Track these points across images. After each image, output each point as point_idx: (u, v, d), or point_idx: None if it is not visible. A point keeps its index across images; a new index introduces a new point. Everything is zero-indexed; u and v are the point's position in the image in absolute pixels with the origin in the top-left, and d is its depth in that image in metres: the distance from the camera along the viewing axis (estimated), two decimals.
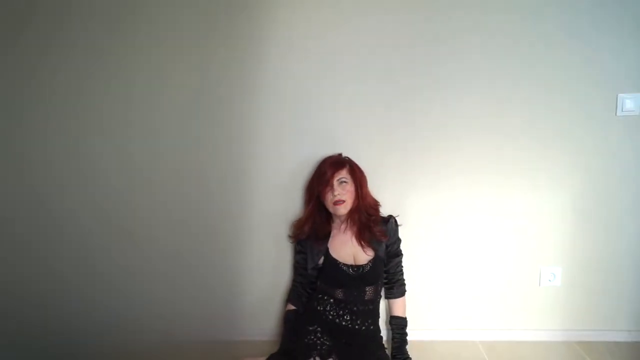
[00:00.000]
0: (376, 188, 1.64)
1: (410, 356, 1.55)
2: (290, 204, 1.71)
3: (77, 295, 1.76)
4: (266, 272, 1.77)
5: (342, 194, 1.51)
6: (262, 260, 1.76)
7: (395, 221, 1.62)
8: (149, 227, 1.73)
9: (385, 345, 1.59)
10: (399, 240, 1.63)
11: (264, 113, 1.67)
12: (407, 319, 1.61)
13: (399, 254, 1.63)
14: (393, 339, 1.59)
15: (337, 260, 1.57)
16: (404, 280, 1.65)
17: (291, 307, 1.64)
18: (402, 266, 1.65)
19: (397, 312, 1.62)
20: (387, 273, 1.62)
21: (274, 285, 1.77)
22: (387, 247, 1.60)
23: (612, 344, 1.73)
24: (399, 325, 1.60)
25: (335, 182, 1.51)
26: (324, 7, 1.61)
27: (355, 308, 1.54)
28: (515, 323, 1.78)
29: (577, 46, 1.60)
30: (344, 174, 1.54)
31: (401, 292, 1.63)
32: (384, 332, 1.69)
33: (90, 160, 1.69)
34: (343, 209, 1.52)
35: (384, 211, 1.64)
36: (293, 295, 1.66)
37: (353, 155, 1.63)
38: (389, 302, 1.66)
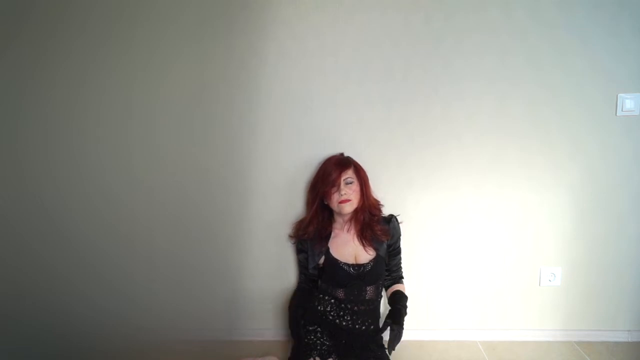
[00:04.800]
0: (376, 187, 1.64)
1: (402, 325, 1.44)
2: (290, 204, 1.71)
3: (77, 296, 1.75)
4: (266, 272, 1.77)
5: (348, 194, 1.51)
6: (262, 260, 1.76)
7: (397, 220, 1.63)
8: (148, 227, 1.72)
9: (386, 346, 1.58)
10: (400, 239, 1.64)
11: (264, 113, 1.66)
12: (408, 311, 1.53)
13: (399, 252, 1.64)
14: (390, 310, 1.51)
15: (337, 260, 1.57)
16: (402, 275, 1.67)
17: (299, 304, 1.59)
18: (401, 262, 1.66)
19: (398, 289, 1.60)
20: (389, 271, 1.63)
21: (274, 285, 1.77)
22: (389, 246, 1.60)
23: (612, 344, 1.73)
24: (398, 298, 1.53)
25: (342, 182, 1.51)
26: (324, 6, 1.60)
27: (355, 308, 1.54)
28: (515, 323, 1.78)
29: (577, 46, 1.60)
30: (350, 174, 1.54)
31: (401, 283, 1.65)
32: None
33: (89, 161, 1.68)
34: (349, 207, 1.52)
35: (384, 210, 1.64)
36: (299, 293, 1.65)
37: (353, 154, 1.63)
38: (389, 290, 1.63)
